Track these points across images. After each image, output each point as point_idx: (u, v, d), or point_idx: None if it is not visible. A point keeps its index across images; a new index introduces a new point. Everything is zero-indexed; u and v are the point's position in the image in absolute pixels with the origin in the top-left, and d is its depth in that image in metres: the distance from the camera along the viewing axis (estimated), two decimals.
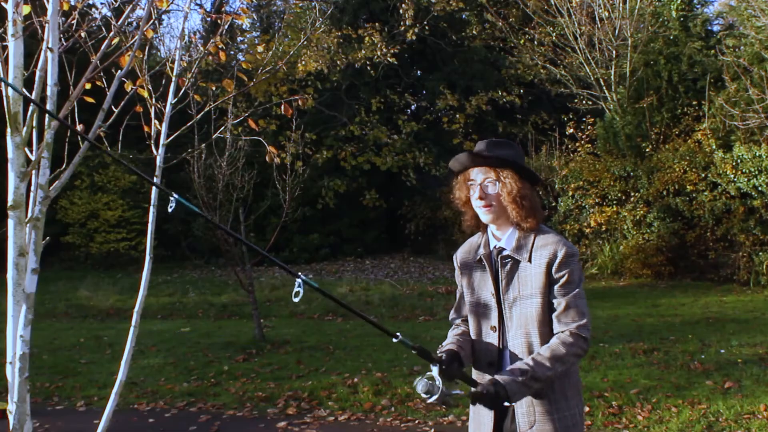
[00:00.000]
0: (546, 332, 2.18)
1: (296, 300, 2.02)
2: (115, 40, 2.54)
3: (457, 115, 16.11)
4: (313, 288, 2.10)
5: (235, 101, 12.95)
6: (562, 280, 2.16)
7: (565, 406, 2.19)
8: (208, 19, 16.21)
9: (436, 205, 15.87)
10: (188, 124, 3.08)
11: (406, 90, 16.71)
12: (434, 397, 2.04)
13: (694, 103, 12.71)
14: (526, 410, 2.18)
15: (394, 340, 2.12)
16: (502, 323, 2.25)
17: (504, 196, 2.19)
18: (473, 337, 2.33)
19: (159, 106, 2.89)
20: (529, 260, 2.19)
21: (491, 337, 2.26)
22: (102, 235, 14.80)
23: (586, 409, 5.02)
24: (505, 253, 2.24)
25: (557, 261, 2.16)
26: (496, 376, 2.09)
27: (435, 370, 2.10)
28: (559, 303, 2.16)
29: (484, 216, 2.24)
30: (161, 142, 2.83)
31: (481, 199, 2.21)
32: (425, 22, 15.72)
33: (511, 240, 2.23)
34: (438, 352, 2.24)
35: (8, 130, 2.18)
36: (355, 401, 5.40)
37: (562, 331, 2.14)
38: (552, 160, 13.90)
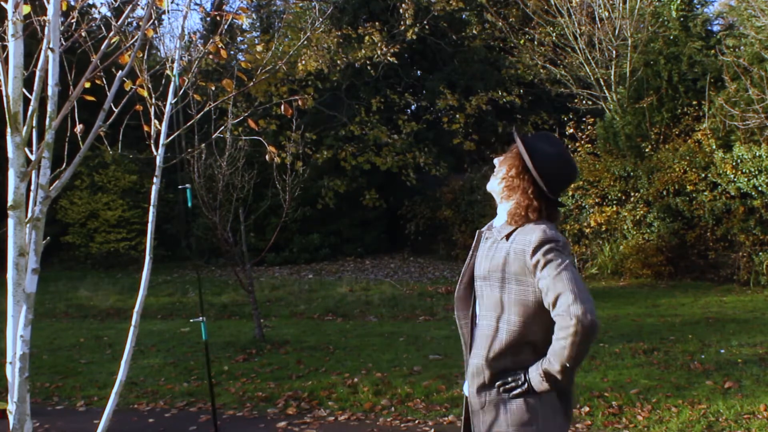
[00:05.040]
0: (514, 320, 2.10)
1: None
2: (115, 40, 2.54)
3: (457, 115, 16.11)
4: None
5: (235, 101, 12.95)
6: (540, 265, 2.02)
7: (519, 401, 2.10)
8: (208, 18, 16.22)
9: (436, 205, 15.86)
10: (188, 124, 3.08)
11: (406, 90, 16.71)
12: None
13: (694, 103, 12.70)
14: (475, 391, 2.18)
15: None
16: (475, 300, 2.24)
17: (499, 175, 2.25)
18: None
19: (159, 105, 2.89)
20: (506, 239, 2.13)
21: (469, 314, 2.26)
22: (102, 235, 14.81)
23: (586, 409, 5.02)
24: (491, 229, 2.26)
25: (531, 247, 2.04)
26: (530, 369, 2.10)
27: None
28: (544, 290, 2.02)
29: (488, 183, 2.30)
30: (161, 142, 2.83)
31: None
32: (425, 22, 15.72)
33: (501, 218, 2.24)
34: None
35: (8, 130, 2.18)
36: (355, 401, 5.39)
37: (555, 321, 2.01)
38: None
